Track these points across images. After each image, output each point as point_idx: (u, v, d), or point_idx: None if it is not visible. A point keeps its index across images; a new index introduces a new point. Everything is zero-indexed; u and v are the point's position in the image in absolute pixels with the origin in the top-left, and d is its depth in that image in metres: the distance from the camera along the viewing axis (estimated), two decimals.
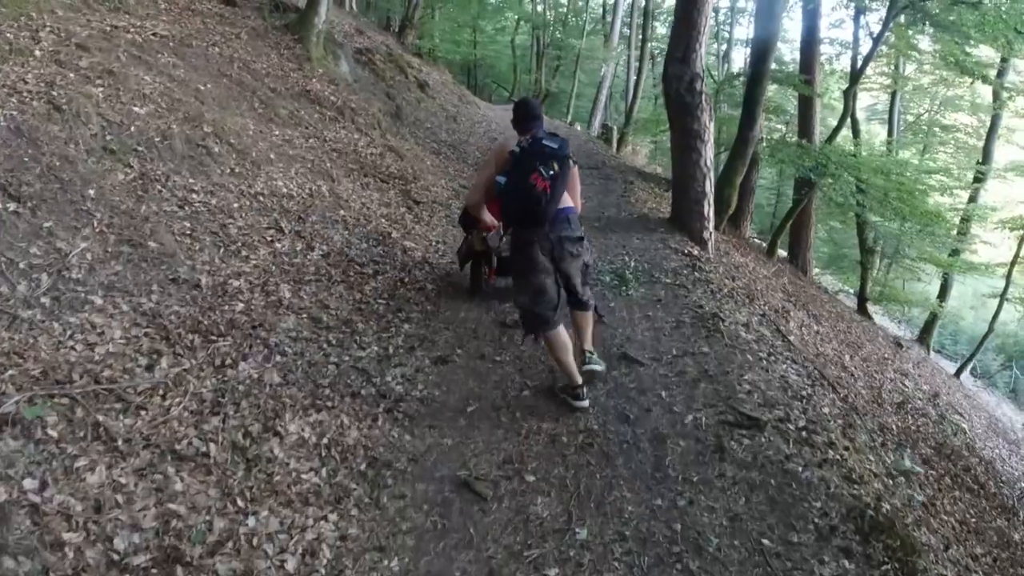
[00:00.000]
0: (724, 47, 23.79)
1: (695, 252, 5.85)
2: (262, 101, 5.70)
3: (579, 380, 3.17)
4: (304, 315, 3.40)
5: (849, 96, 9.39)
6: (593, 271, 4.39)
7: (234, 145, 4.49)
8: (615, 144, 16.12)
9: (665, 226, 6.51)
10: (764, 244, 11.00)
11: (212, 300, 3.11)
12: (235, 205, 3.96)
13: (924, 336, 13.18)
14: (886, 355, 8.19)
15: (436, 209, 6.16)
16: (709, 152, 6.19)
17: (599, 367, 3.37)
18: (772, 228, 13.57)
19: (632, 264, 5.30)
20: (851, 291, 14.18)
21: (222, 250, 3.50)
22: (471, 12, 22.49)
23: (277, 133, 5.35)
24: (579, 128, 17.86)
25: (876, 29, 9.36)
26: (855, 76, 9.34)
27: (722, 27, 24.35)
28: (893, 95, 14.39)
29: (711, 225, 6.32)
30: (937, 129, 16.84)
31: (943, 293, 13.31)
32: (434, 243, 5.35)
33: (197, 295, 3.08)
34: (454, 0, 23.10)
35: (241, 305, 3.19)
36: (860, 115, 13.27)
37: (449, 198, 6.65)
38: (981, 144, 14.28)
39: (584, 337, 3.37)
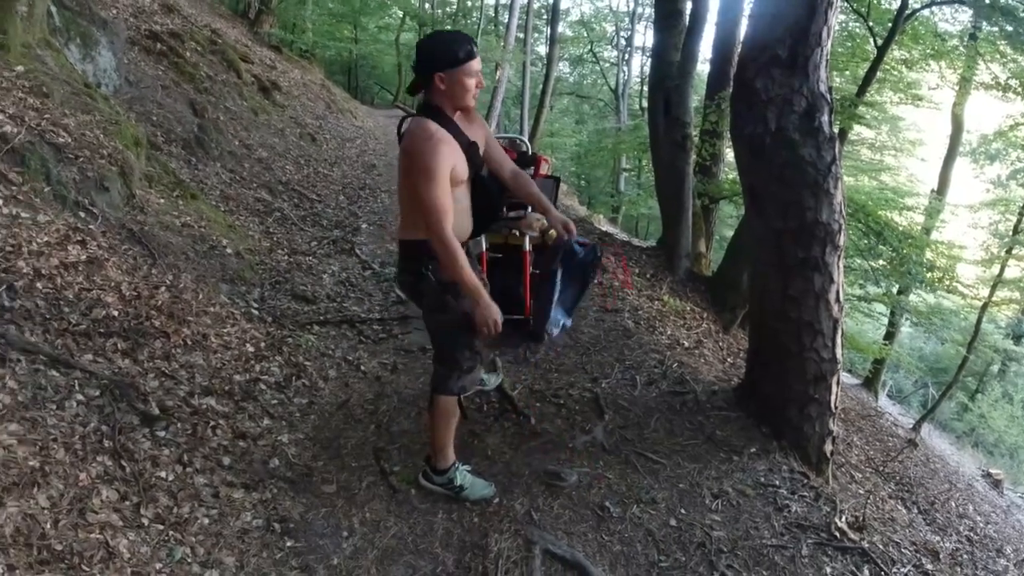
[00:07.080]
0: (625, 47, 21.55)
1: (835, 520, 2.49)
2: None
3: None
4: None
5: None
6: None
7: None
8: None
9: (737, 426, 3.04)
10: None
11: None
12: None
13: (872, 382, 11.63)
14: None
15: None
16: (839, 272, 2.80)
17: None
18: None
19: None
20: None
21: None
22: (352, 6, 19.17)
23: None
24: None
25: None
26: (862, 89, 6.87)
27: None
28: None
29: (835, 425, 3.01)
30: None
31: (890, 335, 11.91)
32: None
33: None
34: None
35: None
36: None
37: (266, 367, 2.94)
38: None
39: None
